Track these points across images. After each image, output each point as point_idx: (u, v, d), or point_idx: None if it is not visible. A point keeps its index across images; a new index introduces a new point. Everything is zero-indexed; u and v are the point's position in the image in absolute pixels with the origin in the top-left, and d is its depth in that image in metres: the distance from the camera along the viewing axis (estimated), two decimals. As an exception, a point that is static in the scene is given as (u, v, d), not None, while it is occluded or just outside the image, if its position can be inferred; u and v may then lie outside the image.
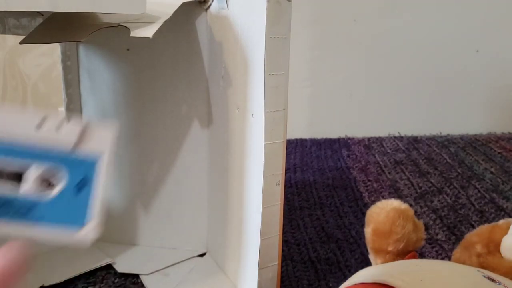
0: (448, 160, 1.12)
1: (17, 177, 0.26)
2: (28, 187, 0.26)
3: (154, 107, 0.66)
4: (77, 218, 0.26)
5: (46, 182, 0.26)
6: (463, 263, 0.52)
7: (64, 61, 0.67)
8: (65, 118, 0.27)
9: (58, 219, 0.26)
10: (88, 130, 0.27)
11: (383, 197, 0.91)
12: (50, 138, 0.26)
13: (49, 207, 0.26)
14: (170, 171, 0.68)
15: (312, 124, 1.32)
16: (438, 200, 0.91)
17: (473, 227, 0.77)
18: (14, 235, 0.25)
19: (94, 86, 0.67)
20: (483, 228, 0.54)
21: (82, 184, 0.27)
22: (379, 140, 1.25)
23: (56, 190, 0.26)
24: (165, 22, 0.50)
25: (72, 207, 0.26)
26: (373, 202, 0.61)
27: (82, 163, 0.27)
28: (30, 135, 0.26)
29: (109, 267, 0.67)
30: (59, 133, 0.26)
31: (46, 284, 0.61)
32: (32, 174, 0.26)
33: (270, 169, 0.51)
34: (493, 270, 0.49)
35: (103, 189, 0.27)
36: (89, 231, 0.26)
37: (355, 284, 0.47)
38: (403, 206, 0.56)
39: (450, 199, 0.92)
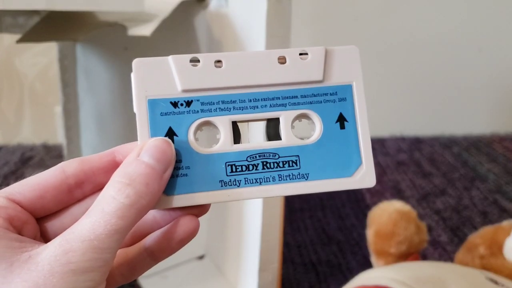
0: (451, 161, 1.11)
1: (273, 129, 0.24)
2: (285, 137, 0.24)
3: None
4: (349, 159, 0.24)
5: (301, 127, 0.24)
6: (466, 265, 0.52)
7: (61, 60, 0.66)
8: (303, 50, 0.24)
9: (328, 165, 0.24)
10: (331, 58, 0.24)
11: (385, 199, 0.90)
12: (295, 72, 0.24)
13: (314, 154, 0.24)
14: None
15: (313, 124, 1.31)
16: (441, 202, 0.90)
17: (476, 228, 0.76)
18: (285, 195, 0.24)
19: (91, 85, 0.67)
20: (486, 230, 0.54)
21: (341, 119, 0.24)
22: (381, 141, 1.24)
23: (316, 134, 0.24)
24: (163, 20, 0.50)
25: (339, 147, 0.24)
26: (375, 203, 0.60)
27: (334, 96, 0.24)
28: (275, 73, 0.24)
29: (107, 269, 0.66)
30: (304, 65, 0.24)
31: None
32: (285, 122, 0.24)
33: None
34: (496, 272, 0.49)
35: (366, 121, 0.24)
36: (365, 174, 0.24)
37: (357, 287, 0.46)
38: (406, 207, 0.55)
39: (453, 200, 0.91)
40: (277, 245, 0.54)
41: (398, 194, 0.94)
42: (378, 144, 1.22)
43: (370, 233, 0.56)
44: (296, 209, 0.86)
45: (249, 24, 0.49)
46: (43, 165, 1.07)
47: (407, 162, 1.10)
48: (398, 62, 1.26)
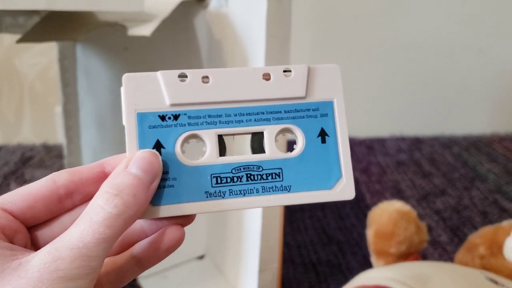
0: (451, 161, 1.11)
1: (257, 143, 0.25)
2: (269, 151, 0.25)
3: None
4: (330, 172, 0.25)
5: (284, 141, 0.25)
6: (466, 265, 0.52)
7: (61, 60, 0.66)
8: (286, 68, 0.25)
9: (309, 178, 0.25)
10: (313, 75, 0.26)
11: (386, 199, 0.90)
12: (279, 89, 0.25)
13: (297, 167, 0.25)
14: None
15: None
16: (441, 202, 0.90)
17: (476, 228, 0.76)
18: (268, 206, 0.24)
19: (91, 85, 0.67)
20: (486, 230, 0.54)
21: (323, 134, 0.25)
22: (381, 141, 1.24)
23: (299, 148, 0.25)
24: (163, 20, 0.49)
25: (320, 161, 0.25)
26: (375, 203, 0.60)
27: (316, 112, 0.25)
28: (259, 89, 0.25)
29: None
30: (287, 82, 0.25)
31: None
32: (269, 136, 0.25)
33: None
34: (496, 272, 0.49)
35: (347, 136, 0.25)
36: (345, 187, 0.25)
37: (357, 287, 0.46)
38: (406, 207, 0.55)
39: (453, 200, 0.91)
40: (277, 245, 0.54)
41: (398, 194, 0.94)
42: (378, 144, 1.22)
43: (370, 233, 0.56)
44: (296, 209, 0.86)
45: (249, 24, 0.49)
46: (43, 165, 1.07)
47: (407, 162, 1.10)
48: (398, 62, 1.26)
